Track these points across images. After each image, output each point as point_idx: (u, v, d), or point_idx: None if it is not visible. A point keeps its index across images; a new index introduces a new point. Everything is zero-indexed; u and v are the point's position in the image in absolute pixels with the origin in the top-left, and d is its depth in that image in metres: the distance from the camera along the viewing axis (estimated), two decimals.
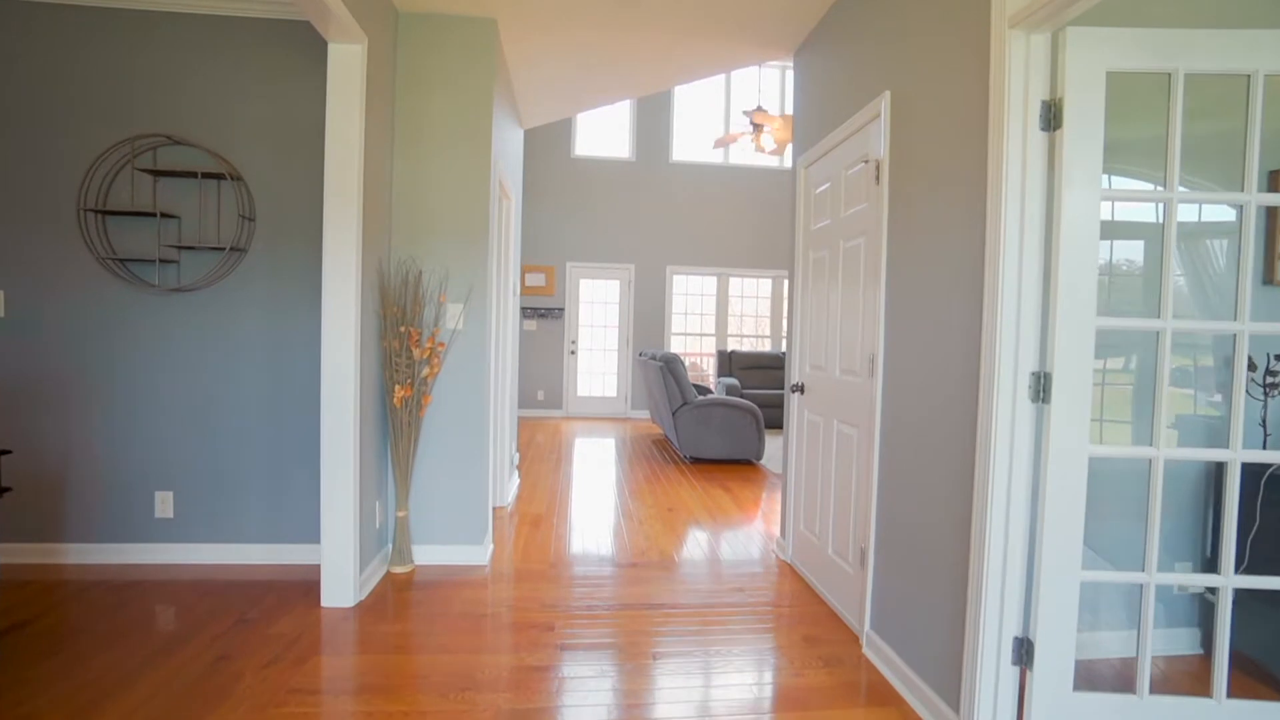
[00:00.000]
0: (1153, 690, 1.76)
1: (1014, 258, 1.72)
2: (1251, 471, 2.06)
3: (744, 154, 9.24)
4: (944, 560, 2.02)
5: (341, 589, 2.76)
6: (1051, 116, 1.69)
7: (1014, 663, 1.78)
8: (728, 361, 8.91)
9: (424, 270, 3.25)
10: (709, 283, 9.47)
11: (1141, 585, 1.77)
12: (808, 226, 3.32)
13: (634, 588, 3.07)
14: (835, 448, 2.90)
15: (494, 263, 3.57)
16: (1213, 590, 1.77)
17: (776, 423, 7.94)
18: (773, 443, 6.83)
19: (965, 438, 1.91)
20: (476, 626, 2.62)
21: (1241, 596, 1.77)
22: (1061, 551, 1.71)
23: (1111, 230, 2.32)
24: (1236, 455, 1.70)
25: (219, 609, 2.71)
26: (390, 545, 3.26)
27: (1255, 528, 2.10)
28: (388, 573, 3.15)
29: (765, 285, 9.61)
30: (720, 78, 9.22)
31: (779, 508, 4.48)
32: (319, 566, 2.85)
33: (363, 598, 2.85)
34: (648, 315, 9.26)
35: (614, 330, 9.30)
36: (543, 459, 6.17)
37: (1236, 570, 1.75)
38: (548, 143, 8.94)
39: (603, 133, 9.19)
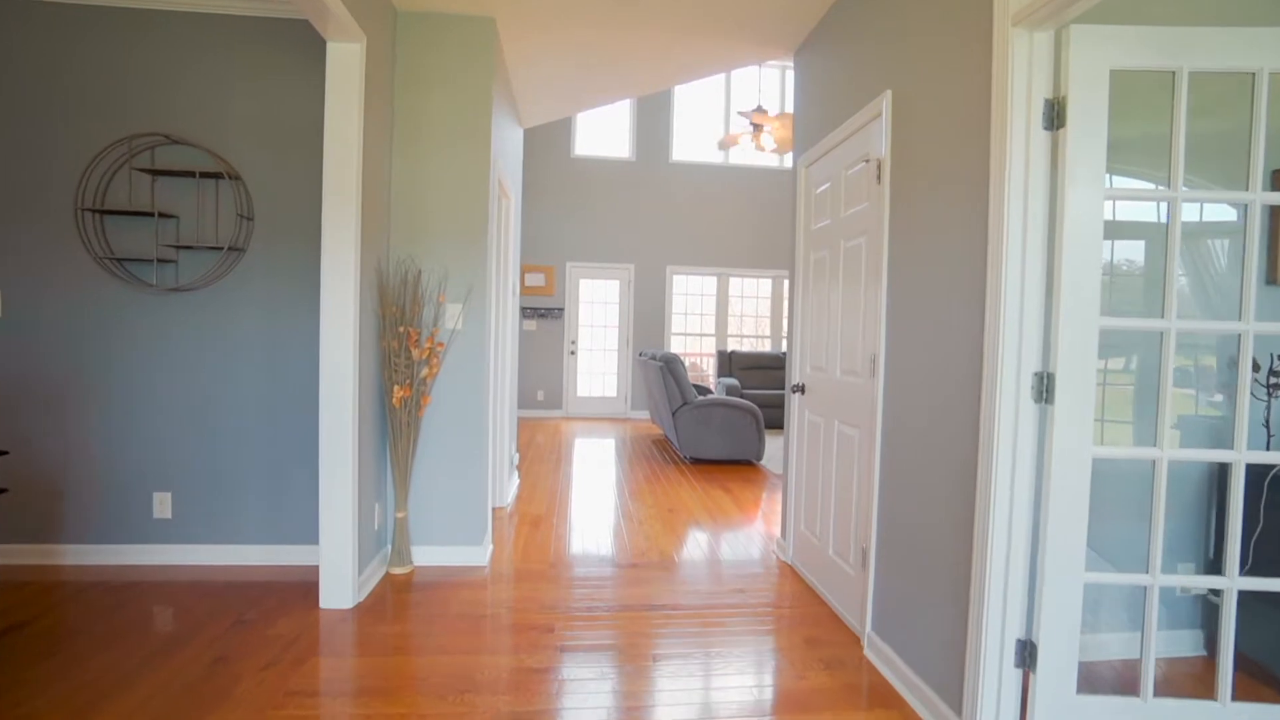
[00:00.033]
0: (1156, 693, 1.75)
1: (1017, 257, 1.71)
2: (1255, 472, 2.05)
3: (744, 154, 9.23)
4: (946, 561, 2.00)
5: (340, 590, 2.74)
6: (1055, 115, 1.68)
7: (1017, 665, 1.77)
8: (728, 362, 8.90)
9: (423, 270, 3.24)
10: (709, 283, 9.46)
11: (1145, 587, 1.76)
12: (808, 226, 3.30)
13: (634, 589, 3.06)
14: (836, 448, 2.88)
15: (493, 262, 3.56)
16: (1216, 592, 1.76)
17: (777, 423, 7.93)
18: (773, 443, 6.81)
19: (967, 438, 1.90)
20: (476, 628, 2.61)
21: (1245, 598, 1.76)
22: (1064, 553, 1.70)
23: (1111, 230, 2.31)
24: (1241, 456, 1.69)
25: (217, 610, 2.69)
26: (389, 546, 3.25)
27: (1259, 529, 2.09)
28: (387, 574, 3.14)
29: (765, 285, 9.60)
30: (720, 78, 9.21)
31: (779, 508, 4.47)
32: (317, 567, 2.84)
33: (361, 599, 2.84)
34: (648, 315, 9.25)
35: (614, 330, 9.29)
36: (542, 459, 6.15)
37: (1241, 572, 1.74)
38: (547, 142, 8.93)
39: (602, 132, 9.17)
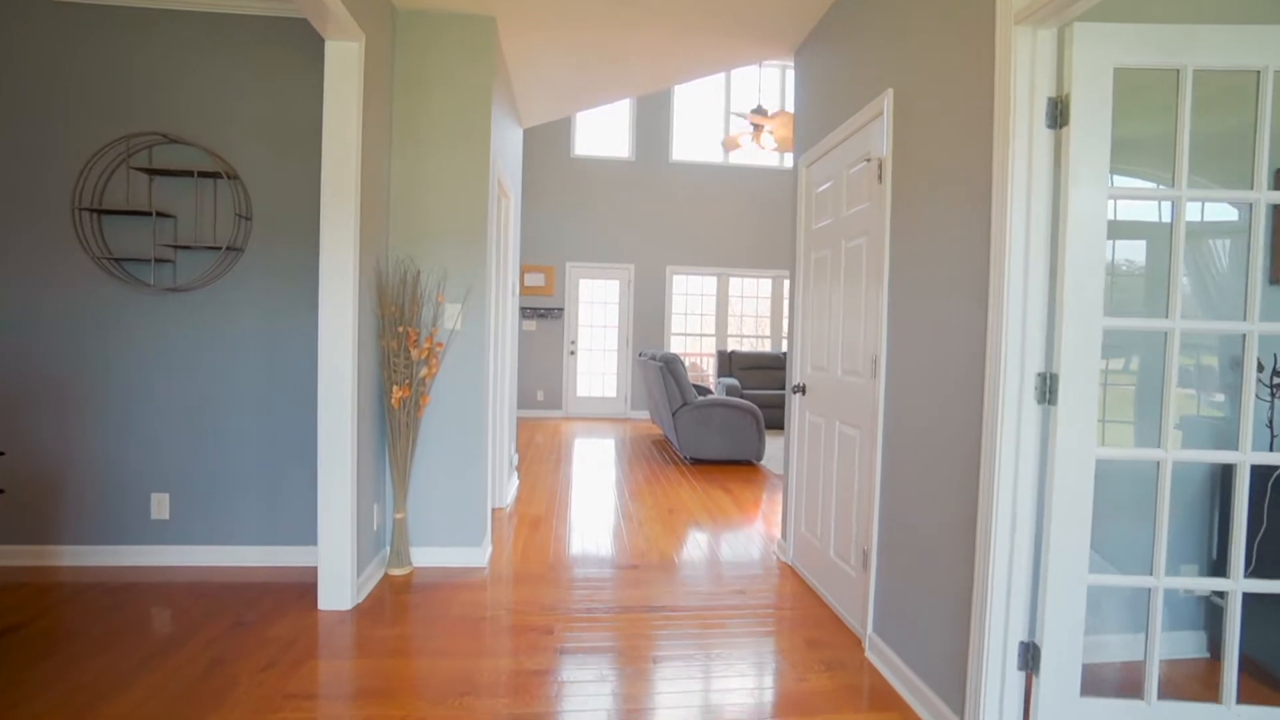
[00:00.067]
0: (1160, 695, 1.74)
1: (1020, 256, 1.69)
2: (1258, 474, 2.04)
3: (744, 154, 9.21)
4: (948, 563, 1.99)
5: (338, 592, 2.73)
6: (1058, 113, 1.67)
7: (1020, 668, 1.76)
8: (728, 362, 8.88)
9: (422, 270, 3.22)
10: (709, 283, 9.45)
11: (1149, 589, 1.75)
12: (809, 226, 3.29)
13: (634, 590, 3.04)
14: (837, 449, 2.87)
15: (493, 262, 3.55)
16: (1220, 594, 1.75)
17: (777, 423, 7.92)
18: (773, 443, 6.80)
19: (970, 439, 1.89)
20: (475, 630, 2.60)
21: (1248, 599, 1.75)
22: (1068, 555, 1.68)
23: (1111, 229, 2.29)
24: (1246, 458, 1.67)
25: (215, 611, 2.68)
26: (388, 547, 3.24)
27: (1262, 530, 2.08)
28: (385, 575, 3.12)
29: (765, 285, 9.59)
30: (720, 77, 9.20)
31: (779, 509, 4.46)
32: (316, 569, 2.83)
33: (360, 600, 2.82)
34: (647, 315, 9.24)
35: (614, 330, 9.27)
36: (542, 460, 6.14)
37: (1244, 574, 1.72)
38: (547, 142, 8.91)
39: (602, 132, 9.16)
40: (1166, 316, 1.69)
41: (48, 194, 3.04)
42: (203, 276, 3.12)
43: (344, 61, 2.66)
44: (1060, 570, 1.69)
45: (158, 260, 3.09)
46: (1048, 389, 1.70)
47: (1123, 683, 2.25)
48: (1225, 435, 2.42)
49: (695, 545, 3.72)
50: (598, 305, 9.24)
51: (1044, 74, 1.68)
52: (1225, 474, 2.37)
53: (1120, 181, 2.16)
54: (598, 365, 9.26)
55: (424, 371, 3.11)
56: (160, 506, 3.15)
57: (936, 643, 2.03)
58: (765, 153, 6.30)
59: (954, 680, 1.93)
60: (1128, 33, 1.63)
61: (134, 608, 2.70)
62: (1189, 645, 2.44)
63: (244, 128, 3.12)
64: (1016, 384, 1.71)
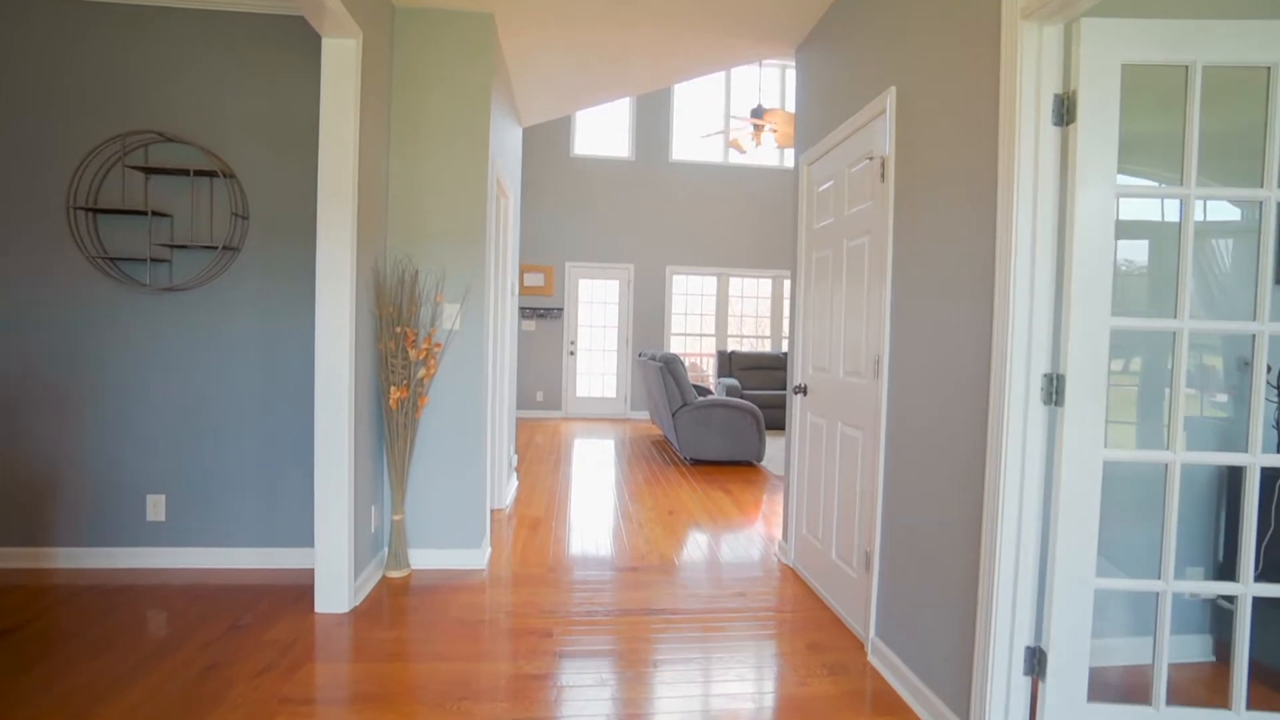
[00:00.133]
0: (1168, 701, 1.71)
1: (1026, 256, 1.67)
2: (1265, 475, 2.01)
3: (741, 153, 9.17)
4: (952, 566, 1.97)
5: (336, 594, 2.70)
6: (1065, 110, 1.64)
7: (1026, 673, 1.73)
8: (728, 362, 8.86)
9: (420, 270, 3.20)
10: (709, 283, 9.43)
11: (1157, 593, 1.72)
12: (810, 225, 3.27)
13: (634, 592, 3.02)
14: (839, 450, 2.85)
15: (492, 262, 3.52)
16: (1228, 598, 1.73)
17: (777, 424, 7.90)
18: (773, 444, 6.78)
19: (974, 441, 1.86)
20: (474, 633, 2.57)
21: (1256, 603, 1.72)
22: (1075, 558, 1.66)
23: (1115, 229, 2.27)
24: (1255, 460, 1.65)
25: (211, 614, 2.65)
26: (386, 549, 3.21)
27: (1270, 533, 2.05)
28: (384, 577, 3.10)
29: (765, 285, 9.56)
30: (720, 76, 9.18)
31: (780, 510, 4.43)
32: (313, 571, 2.80)
33: (358, 603, 2.80)
34: (647, 315, 9.21)
35: (613, 330, 9.25)
36: (541, 460, 6.12)
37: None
38: (546, 141, 8.89)
39: (602, 132, 9.14)
40: (1174, 316, 1.67)
41: (42, 193, 3.02)
42: (199, 276, 3.10)
43: (341, 59, 2.63)
44: (1066, 573, 1.66)
45: (154, 260, 3.07)
46: (1054, 390, 1.67)
47: (1127, 687, 2.23)
48: (1229, 436, 2.40)
49: (695, 547, 3.70)
50: (597, 305, 9.22)
51: (1050, 70, 1.65)
52: (1231, 476, 2.35)
53: (1121, 180, 2.14)
54: (597, 365, 9.23)
55: (422, 372, 3.09)
56: (156, 508, 3.12)
57: (940, 646, 2.01)
58: (765, 151, 6.28)
59: (958, 685, 1.90)
60: (1135, 29, 1.60)
61: (130, 610, 2.68)
62: (1194, 649, 2.42)
63: (241, 126, 3.10)
64: (1023, 385, 1.68)
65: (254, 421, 3.16)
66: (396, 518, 3.10)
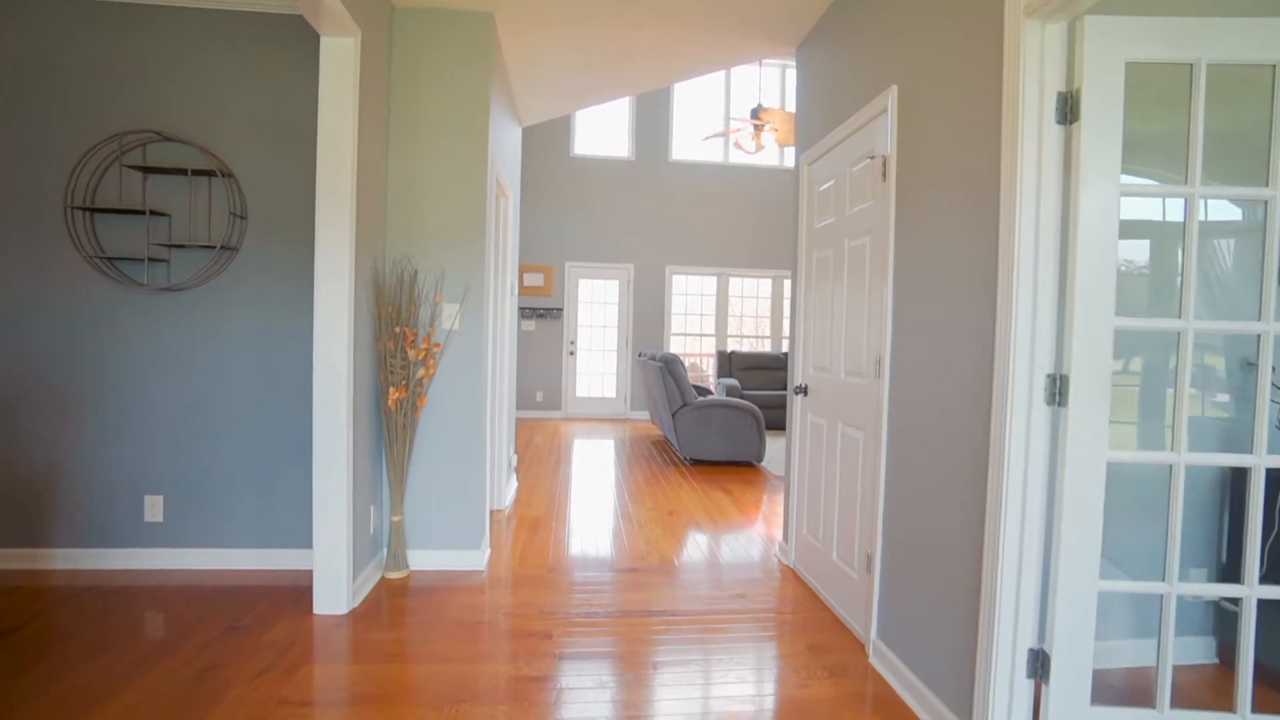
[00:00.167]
0: (1172, 704, 1.70)
1: (1029, 255, 1.66)
2: (1270, 476, 2.00)
3: (744, 153, 9.16)
4: (955, 568, 1.95)
5: (334, 595, 2.69)
6: (1068, 109, 1.63)
7: (1029, 675, 1.72)
8: (728, 362, 8.85)
9: (419, 270, 3.19)
10: (709, 283, 9.41)
11: (1160, 595, 1.71)
12: (811, 225, 3.25)
13: (634, 593, 3.01)
14: (840, 451, 2.83)
15: (491, 262, 3.51)
16: (1232, 600, 1.71)
17: (777, 424, 7.88)
18: (774, 444, 6.76)
19: (977, 442, 1.85)
20: (473, 634, 2.56)
21: (1261, 605, 1.71)
22: (1078, 560, 1.65)
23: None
24: (1261, 461, 1.64)
25: (208, 615, 2.64)
26: (385, 550, 3.20)
27: (1274, 534, 2.04)
28: (382, 578, 3.08)
29: (765, 285, 9.55)
30: (720, 76, 9.17)
31: (780, 511, 4.42)
32: (311, 572, 2.79)
33: (356, 604, 2.78)
34: (647, 315, 9.20)
35: (613, 330, 9.24)
36: (541, 461, 6.10)
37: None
38: (546, 141, 8.87)
39: (602, 131, 9.12)
40: (1175, 316, 1.65)
41: (39, 193, 3.00)
42: (197, 276, 3.08)
43: (339, 58, 2.62)
44: (1070, 575, 1.65)
45: (151, 259, 3.05)
46: (1057, 391, 1.66)
47: (1129, 689, 2.22)
48: (1232, 437, 2.38)
49: (695, 547, 3.69)
50: (597, 305, 9.20)
51: (1054, 69, 1.64)
52: (1234, 477, 2.34)
53: (1124, 179, 2.12)
54: (597, 365, 9.22)
55: (421, 372, 3.07)
56: (154, 509, 3.11)
57: (943, 649, 2.00)
58: (766, 150, 6.26)
59: (961, 687, 1.89)
60: (1139, 26, 1.59)
61: (127, 611, 2.66)
62: (1197, 651, 2.40)
63: (239, 125, 3.09)
64: (1026, 386, 1.67)
65: (252, 422, 3.14)
66: (395, 518, 3.09)
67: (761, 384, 8.62)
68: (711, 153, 9.22)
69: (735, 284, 9.48)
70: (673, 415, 5.98)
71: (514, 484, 4.88)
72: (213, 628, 2.54)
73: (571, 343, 9.08)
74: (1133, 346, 2.38)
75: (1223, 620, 2.41)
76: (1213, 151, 2.01)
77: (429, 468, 3.22)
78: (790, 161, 9.25)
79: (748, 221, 9.30)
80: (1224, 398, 2.43)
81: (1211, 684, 2.28)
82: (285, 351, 3.14)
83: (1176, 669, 2.29)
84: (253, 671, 2.23)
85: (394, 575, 3.09)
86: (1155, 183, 2.21)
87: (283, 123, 3.10)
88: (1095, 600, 1.65)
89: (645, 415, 9.18)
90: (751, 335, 9.61)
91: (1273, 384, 2.18)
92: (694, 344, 9.45)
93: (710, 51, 3.84)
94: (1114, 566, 2.18)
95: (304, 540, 3.15)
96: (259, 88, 3.09)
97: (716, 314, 9.48)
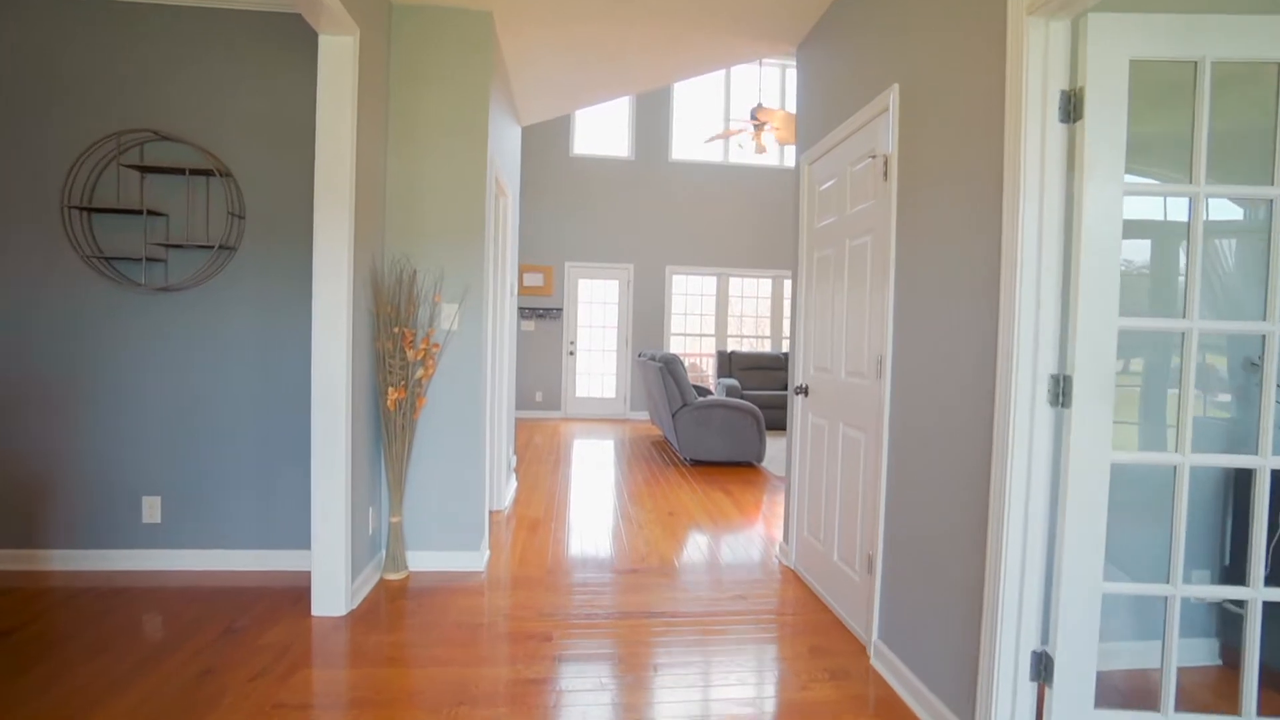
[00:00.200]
0: (1176, 707, 1.68)
1: (1032, 255, 1.64)
2: (1275, 477, 1.99)
3: (744, 153, 9.16)
4: (957, 569, 1.94)
5: (332, 597, 2.68)
6: (1072, 107, 1.61)
7: (1032, 678, 1.70)
8: (727, 362, 8.83)
9: (418, 269, 3.17)
10: (709, 283, 9.40)
11: (1163, 597, 1.70)
12: (812, 224, 3.24)
13: (634, 595, 2.99)
14: (841, 451, 2.82)
15: (490, 262, 3.50)
16: (1236, 601, 1.70)
17: (777, 424, 7.87)
18: (774, 445, 6.75)
19: (980, 442, 1.84)
20: (472, 637, 2.54)
21: (1266, 607, 1.70)
22: (1082, 562, 1.63)
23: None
24: (1266, 462, 1.62)
25: (206, 617, 2.63)
26: (384, 551, 3.18)
27: (1278, 535, 2.03)
28: (381, 580, 3.07)
29: (765, 285, 9.54)
30: (720, 75, 9.15)
31: (781, 511, 4.41)
32: (309, 573, 2.78)
33: (355, 606, 2.77)
34: (647, 315, 9.19)
35: (613, 331, 9.22)
36: (541, 461, 6.09)
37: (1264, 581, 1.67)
38: (546, 141, 8.86)
39: (602, 131, 9.11)
40: (1177, 316, 1.64)
41: (36, 192, 2.99)
42: (195, 276, 3.07)
43: (338, 57, 2.60)
44: (1074, 577, 1.64)
45: (149, 259, 3.04)
46: (1061, 391, 1.65)
47: (1130, 691, 2.21)
48: (1234, 437, 2.37)
49: (696, 548, 3.67)
50: (597, 305, 9.19)
51: (1057, 67, 1.63)
52: (1239, 477, 2.32)
53: (1128, 179, 2.11)
54: (597, 366, 9.21)
55: (420, 373, 3.06)
56: (152, 510, 3.10)
57: (945, 651, 1.98)
58: (765, 154, 6.25)
59: (963, 690, 1.87)
60: (1143, 24, 1.58)
61: (125, 613, 2.65)
62: (1200, 653, 2.39)
63: (237, 125, 3.07)
64: (1029, 386, 1.66)
65: (250, 422, 3.13)
66: (394, 519, 3.08)
67: (761, 384, 8.61)
68: (711, 153, 9.21)
69: (735, 284, 9.46)
70: (673, 415, 5.96)
71: (513, 485, 4.87)
72: (210, 630, 2.52)
73: (571, 343, 9.06)
74: (1132, 347, 2.37)
75: (1225, 622, 2.40)
76: (1214, 151, 2.00)
77: (428, 468, 3.21)
78: (790, 161, 9.23)
79: (748, 221, 9.29)
80: (1225, 398, 2.42)
81: (1214, 686, 2.27)
82: (284, 351, 3.12)
83: (1180, 671, 2.28)
84: (250, 674, 2.21)
85: (393, 577, 3.08)
86: (1158, 182, 2.20)
87: (282, 122, 3.09)
88: (1099, 602, 1.64)
89: (645, 415, 9.17)
90: (751, 335, 9.60)
91: (1278, 384, 2.17)
92: (694, 344, 9.43)
93: (708, 50, 3.83)
94: (1114, 567, 2.17)
95: (302, 541, 3.14)
96: (258, 87, 3.07)
97: (716, 314, 9.46)
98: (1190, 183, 1.62)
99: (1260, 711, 1.66)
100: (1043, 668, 1.70)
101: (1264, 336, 1.63)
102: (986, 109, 1.83)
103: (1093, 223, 1.59)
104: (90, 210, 2.99)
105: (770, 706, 2.13)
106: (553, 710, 2.07)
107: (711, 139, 6.97)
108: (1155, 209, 2.36)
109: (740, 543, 3.80)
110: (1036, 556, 1.69)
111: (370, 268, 2.94)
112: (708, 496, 4.87)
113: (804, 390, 3.25)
